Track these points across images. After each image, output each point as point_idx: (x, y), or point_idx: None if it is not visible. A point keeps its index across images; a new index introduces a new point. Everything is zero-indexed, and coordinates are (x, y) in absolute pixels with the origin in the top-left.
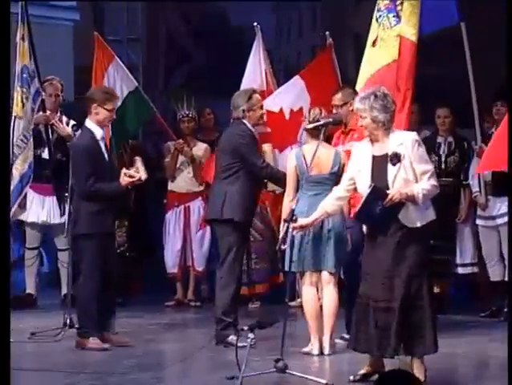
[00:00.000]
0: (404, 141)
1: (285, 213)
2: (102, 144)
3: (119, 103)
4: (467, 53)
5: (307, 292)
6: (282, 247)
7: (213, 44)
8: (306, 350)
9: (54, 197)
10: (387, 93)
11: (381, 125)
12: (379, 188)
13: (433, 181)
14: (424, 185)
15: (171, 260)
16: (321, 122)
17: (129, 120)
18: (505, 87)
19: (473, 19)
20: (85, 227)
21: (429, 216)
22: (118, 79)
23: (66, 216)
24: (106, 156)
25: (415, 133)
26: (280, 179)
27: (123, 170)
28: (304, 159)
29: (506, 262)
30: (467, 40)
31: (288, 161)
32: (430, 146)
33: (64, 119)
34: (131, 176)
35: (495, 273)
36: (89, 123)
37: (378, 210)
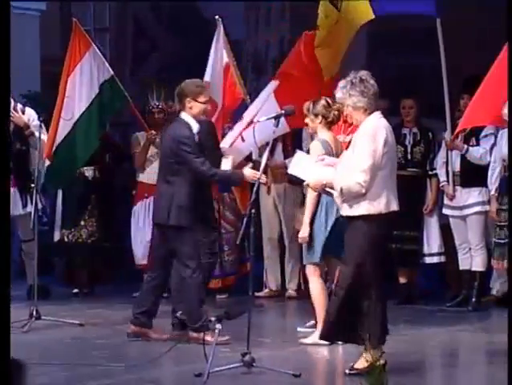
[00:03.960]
0: (360, 129)
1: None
2: (196, 139)
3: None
4: (441, 49)
5: (318, 285)
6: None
7: (182, 34)
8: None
9: (16, 188)
10: (363, 78)
11: (363, 111)
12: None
13: (358, 178)
14: (349, 180)
15: (140, 251)
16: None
17: (104, 109)
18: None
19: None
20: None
21: (359, 209)
22: (94, 67)
23: (32, 207)
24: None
25: (377, 129)
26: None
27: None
28: (331, 148)
29: (472, 252)
30: (442, 36)
31: (314, 151)
32: (395, 137)
33: (19, 106)
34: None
35: (465, 262)
36: (185, 115)
37: None
